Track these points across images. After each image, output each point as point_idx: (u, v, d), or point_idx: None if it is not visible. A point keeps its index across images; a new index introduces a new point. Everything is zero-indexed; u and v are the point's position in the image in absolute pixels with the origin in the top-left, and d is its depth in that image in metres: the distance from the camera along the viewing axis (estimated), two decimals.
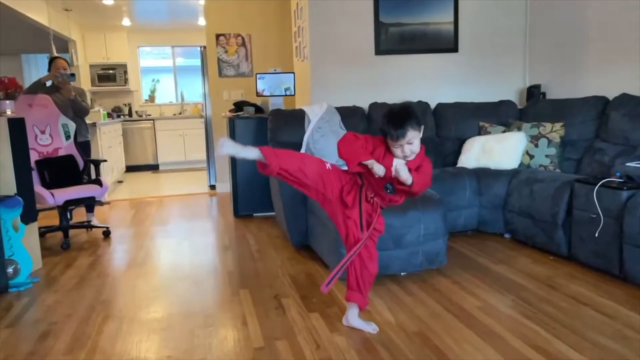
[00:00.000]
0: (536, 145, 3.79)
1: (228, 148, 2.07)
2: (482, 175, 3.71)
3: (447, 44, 4.74)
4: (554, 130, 3.79)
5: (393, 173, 2.03)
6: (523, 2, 4.77)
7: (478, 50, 4.78)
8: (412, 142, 2.03)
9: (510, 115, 4.28)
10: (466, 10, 4.71)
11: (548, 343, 2.10)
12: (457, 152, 4.12)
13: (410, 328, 2.30)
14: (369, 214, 2.20)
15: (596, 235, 2.80)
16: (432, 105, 4.43)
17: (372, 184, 2.17)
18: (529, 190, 3.35)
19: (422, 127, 2.07)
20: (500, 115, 4.29)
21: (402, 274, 2.94)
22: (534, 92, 4.57)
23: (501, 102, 4.43)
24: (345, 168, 2.19)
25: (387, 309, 2.51)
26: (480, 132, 4.17)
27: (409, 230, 2.80)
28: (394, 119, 2.04)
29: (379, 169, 2.04)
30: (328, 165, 2.21)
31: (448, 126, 4.32)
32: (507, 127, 4.09)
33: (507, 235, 3.69)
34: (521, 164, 3.80)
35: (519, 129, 3.93)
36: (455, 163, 4.04)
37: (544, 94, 4.56)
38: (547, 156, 3.75)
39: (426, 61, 4.74)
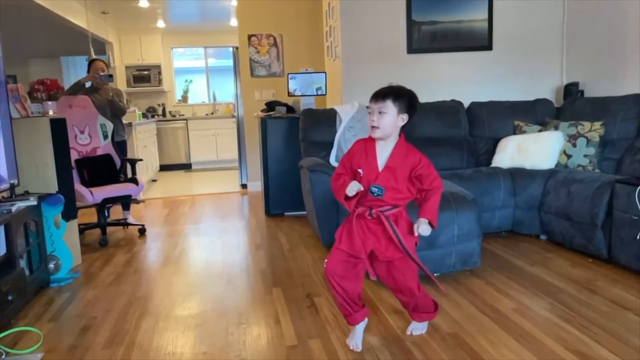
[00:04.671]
0: (574, 145, 3.69)
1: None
2: (517, 175, 3.64)
3: (481, 42, 4.67)
4: (593, 130, 3.68)
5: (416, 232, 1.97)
6: None
7: (513, 48, 4.69)
8: (383, 112, 1.95)
9: (546, 114, 4.18)
10: (501, 7, 4.63)
11: (588, 347, 2.05)
12: (492, 152, 4.05)
13: (445, 329, 2.27)
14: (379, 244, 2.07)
15: (638, 237, 2.71)
16: (466, 104, 4.36)
17: (364, 199, 2.02)
18: (567, 190, 3.27)
19: (405, 114, 1.96)
20: (536, 114, 4.19)
21: (435, 274, 2.90)
22: (571, 90, 4.45)
23: (537, 100, 4.33)
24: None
25: None
26: (515, 131, 4.09)
27: (442, 231, 2.77)
28: (387, 87, 2.00)
29: (351, 190, 1.94)
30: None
31: (482, 125, 4.25)
32: (544, 126, 4.00)
33: (543, 237, 3.61)
34: (558, 164, 3.71)
35: (556, 128, 3.84)
36: (490, 163, 3.97)
37: (582, 92, 4.44)
38: (585, 156, 3.65)
39: (459, 59, 4.67)
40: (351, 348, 2.13)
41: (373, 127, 1.97)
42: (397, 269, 2.07)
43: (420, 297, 2.15)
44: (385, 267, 2.10)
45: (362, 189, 1.97)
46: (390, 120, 1.95)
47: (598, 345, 2.06)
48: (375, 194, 1.98)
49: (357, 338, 2.14)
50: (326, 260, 2.07)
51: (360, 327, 2.15)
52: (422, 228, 1.95)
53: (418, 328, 2.24)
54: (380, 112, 1.95)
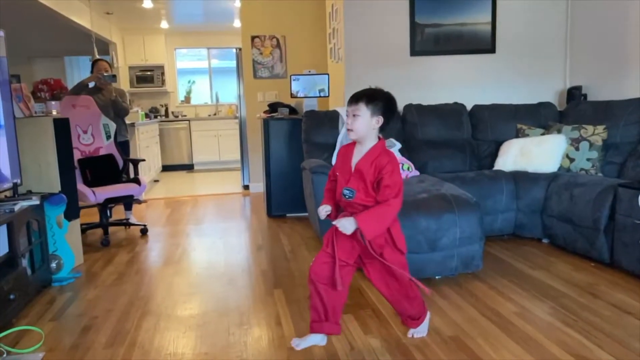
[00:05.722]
0: (577, 149, 3.69)
1: None
2: (520, 178, 3.64)
3: (484, 44, 4.66)
4: (596, 133, 3.68)
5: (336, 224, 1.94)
6: (564, 2, 4.65)
7: (516, 51, 4.69)
8: (357, 115, 1.95)
9: (549, 117, 4.18)
10: (504, 10, 4.63)
11: (590, 352, 2.04)
12: (494, 155, 4.04)
13: (446, 332, 2.27)
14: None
15: None
16: (469, 107, 4.36)
17: (344, 205, 2.05)
18: (569, 194, 3.26)
19: (380, 117, 1.95)
20: (539, 117, 4.19)
21: (436, 277, 2.91)
22: (574, 94, 4.45)
23: (540, 103, 4.32)
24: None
25: None
26: (518, 134, 4.09)
27: (444, 234, 2.77)
28: (362, 90, 2.02)
29: (320, 215, 2.01)
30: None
31: (485, 128, 4.25)
32: (547, 129, 3.99)
33: (545, 240, 3.60)
34: (561, 168, 3.70)
35: (559, 131, 3.83)
36: (492, 166, 3.97)
37: (585, 96, 4.43)
38: (588, 160, 3.64)
39: (462, 62, 4.67)
40: (292, 344, 2.10)
41: (348, 129, 1.99)
42: (389, 272, 2.05)
43: (413, 298, 2.12)
44: (378, 272, 2.06)
45: (329, 211, 2.01)
46: (364, 122, 1.96)
47: (600, 350, 2.06)
48: (346, 197, 1.98)
49: (304, 343, 2.10)
50: (312, 261, 2.07)
51: (316, 337, 2.10)
52: (342, 222, 1.92)
53: (419, 331, 2.23)
54: (354, 115, 1.97)
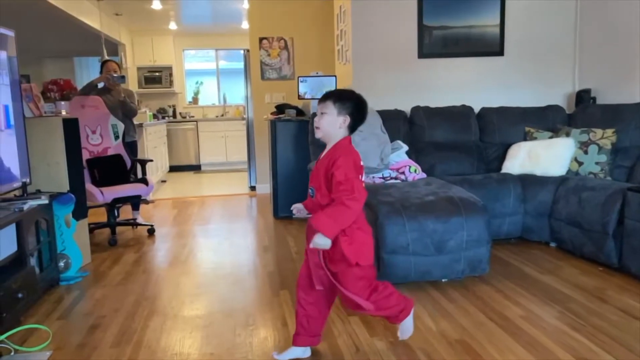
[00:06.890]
0: (585, 152, 3.67)
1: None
2: (528, 181, 3.62)
3: (493, 47, 4.64)
4: (605, 137, 3.65)
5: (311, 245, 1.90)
6: (573, 3, 4.63)
7: (524, 54, 4.66)
8: (324, 113, 1.95)
9: (558, 120, 4.16)
10: (513, 13, 4.60)
11: (597, 356, 2.03)
12: (502, 158, 4.03)
13: (452, 335, 2.26)
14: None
15: None
16: (477, 109, 4.35)
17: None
18: (578, 198, 3.25)
19: (346, 116, 1.93)
20: (547, 121, 4.17)
21: (443, 280, 2.90)
22: (583, 97, 4.42)
23: (548, 106, 4.30)
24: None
25: (428, 316, 2.48)
26: (526, 137, 4.07)
27: (451, 236, 2.76)
28: (333, 90, 2.03)
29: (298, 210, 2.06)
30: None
31: (492, 131, 4.23)
32: (555, 132, 3.97)
33: (552, 244, 3.58)
34: (569, 171, 3.68)
35: (568, 134, 3.81)
36: (500, 169, 3.96)
37: (594, 99, 4.41)
38: (597, 163, 3.62)
39: (470, 65, 4.65)
40: (275, 356, 2.10)
41: (315, 127, 2.00)
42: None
43: (386, 296, 2.04)
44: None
45: (298, 207, 2.07)
46: (330, 120, 1.95)
47: (607, 354, 2.04)
48: (312, 196, 2.00)
49: (283, 356, 2.09)
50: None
51: (298, 350, 2.09)
52: (315, 242, 1.86)
53: (403, 330, 2.16)
54: (321, 113, 1.97)
